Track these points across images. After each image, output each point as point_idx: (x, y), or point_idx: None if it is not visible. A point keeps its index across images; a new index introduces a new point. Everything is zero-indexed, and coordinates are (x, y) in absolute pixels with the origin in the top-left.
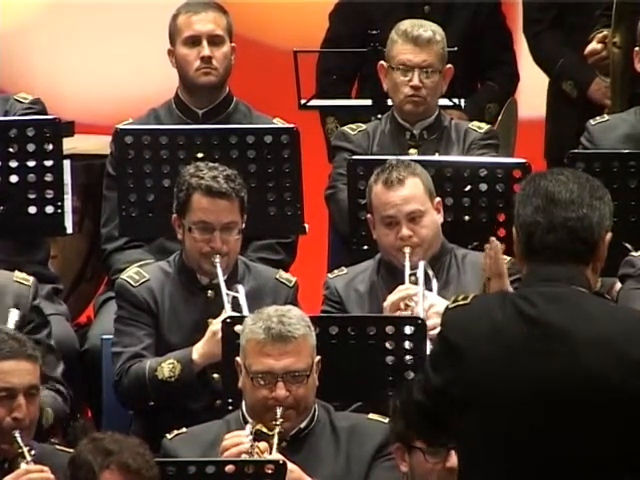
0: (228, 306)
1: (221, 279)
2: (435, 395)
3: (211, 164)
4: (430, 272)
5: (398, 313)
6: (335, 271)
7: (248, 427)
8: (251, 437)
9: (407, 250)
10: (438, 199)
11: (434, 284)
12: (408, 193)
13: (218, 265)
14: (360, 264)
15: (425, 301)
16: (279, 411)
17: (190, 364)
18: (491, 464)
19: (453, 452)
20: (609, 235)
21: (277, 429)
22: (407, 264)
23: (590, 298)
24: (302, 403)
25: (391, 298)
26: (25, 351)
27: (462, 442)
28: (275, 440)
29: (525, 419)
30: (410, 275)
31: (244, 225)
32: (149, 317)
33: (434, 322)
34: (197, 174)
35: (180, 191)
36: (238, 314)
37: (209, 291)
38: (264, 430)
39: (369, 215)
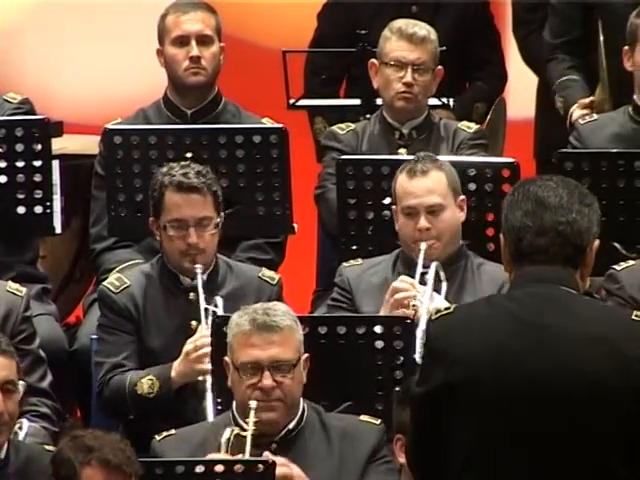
0: (204, 322)
1: (200, 291)
2: (421, 410)
3: (184, 162)
4: (442, 274)
5: (400, 310)
6: (351, 260)
7: (227, 432)
8: (228, 439)
9: (423, 246)
10: (462, 197)
11: (443, 287)
12: (430, 185)
13: (199, 275)
14: (376, 257)
15: (431, 303)
16: (252, 414)
17: (168, 382)
18: (483, 463)
19: None
20: (597, 242)
21: (250, 431)
22: (420, 261)
23: (580, 298)
24: (289, 395)
25: (396, 292)
26: None
27: (453, 443)
28: (248, 441)
29: (518, 418)
30: (422, 274)
31: (220, 221)
32: (130, 324)
33: None
34: (169, 173)
35: (154, 191)
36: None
37: (191, 293)
38: (243, 434)
39: (394, 206)
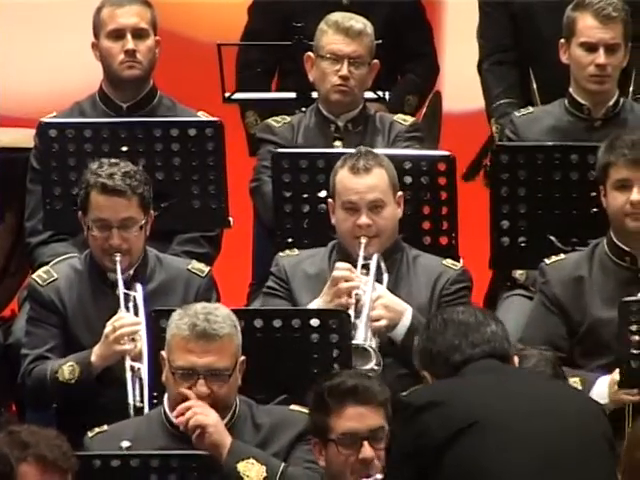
0: (123, 305)
1: (119, 277)
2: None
3: (114, 160)
4: (383, 265)
5: (344, 299)
6: (287, 251)
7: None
8: None
9: (363, 240)
10: (400, 193)
11: (385, 278)
12: (373, 182)
13: (118, 264)
14: (312, 249)
15: (373, 292)
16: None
17: (89, 367)
18: None
19: (366, 443)
20: (516, 359)
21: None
22: (361, 254)
23: (526, 370)
24: (221, 402)
25: (338, 282)
26: None
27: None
28: None
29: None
30: (362, 266)
31: (148, 221)
32: (56, 317)
33: (379, 313)
34: (96, 171)
35: (81, 189)
36: (133, 314)
37: (117, 288)
38: None
39: (330, 199)
